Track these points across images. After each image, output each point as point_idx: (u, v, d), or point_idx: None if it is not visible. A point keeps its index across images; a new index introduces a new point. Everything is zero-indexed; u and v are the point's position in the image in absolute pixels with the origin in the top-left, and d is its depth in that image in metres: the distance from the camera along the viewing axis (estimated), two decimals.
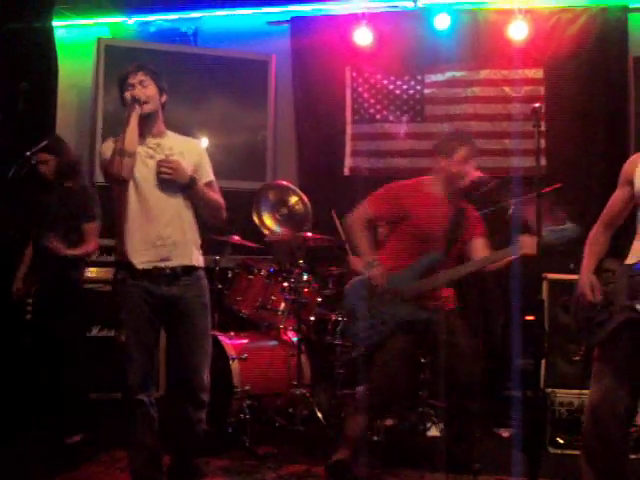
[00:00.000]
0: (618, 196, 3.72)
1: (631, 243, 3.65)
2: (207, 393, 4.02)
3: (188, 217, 3.98)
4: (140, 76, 3.88)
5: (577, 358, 3.60)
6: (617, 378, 3.52)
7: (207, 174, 4.06)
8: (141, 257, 3.86)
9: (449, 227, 4.52)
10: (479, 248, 4.58)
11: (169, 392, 4.47)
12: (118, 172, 3.77)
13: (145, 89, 3.87)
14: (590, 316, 3.58)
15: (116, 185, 3.87)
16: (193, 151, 4.05)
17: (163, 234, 3.87)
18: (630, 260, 3.58)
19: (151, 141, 3.92)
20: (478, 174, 4.61)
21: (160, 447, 3.99)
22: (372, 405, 4.47)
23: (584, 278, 3.64)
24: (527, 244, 4.17)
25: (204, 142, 6.51)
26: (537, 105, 3.97)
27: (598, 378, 3.57)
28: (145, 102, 3.84)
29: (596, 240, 3.73)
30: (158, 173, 3.85)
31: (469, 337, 4.57)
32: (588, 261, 3.70)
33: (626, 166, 3.73)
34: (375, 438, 5.03)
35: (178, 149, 3.98)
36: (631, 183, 3.65)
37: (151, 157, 3.90)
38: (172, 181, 3.86)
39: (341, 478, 4.38)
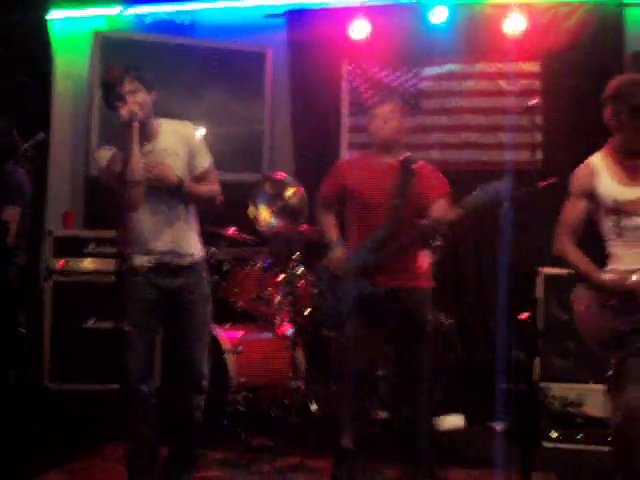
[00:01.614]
0: (579, 209, 3.71)
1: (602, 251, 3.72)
2: (207, 380, 4.08)
3: (188, 213, 4.01)
4: (128, 85, 3.78)
5: (610, 373, 3.60)
6: None
7: (203, 161, 4.04)
8: (144, 258, 3.92)
9: (396, 195, 4.37)
10: (438, 210, 4.32)
11: (168, 381, 4.51)
12: (133, 204, 3.80)
13: (136, 97, 3.79)
14: (616, 327, 3.54)
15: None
16: (186, 139, 4.01)
17: (162, 234, 3.91)
18: (626, 266, 3.61)
19: (146, 147, 3.87)
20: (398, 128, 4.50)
21: (157, 438, 4.02)
22: (342, 381, 4.52)
23: (620, 283, 3.58)
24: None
25: (201, 131, 6.52)
26: (534, 102, 3.94)
27: (634, 382, 3.53)
28: (140, 112, 3.77)
29: (575, 249, 3.70)
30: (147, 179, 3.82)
31: (428, 321, 4.52)
32: (590, 265, 3.67)
33: (580, 177, 3.73)
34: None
35: (172, 148, 3.96)
36: (591, 195, 3.67)
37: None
38: (160, 187, 3.86)
39: (346, 464, 4.42)
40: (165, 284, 3.94)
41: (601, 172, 3.68)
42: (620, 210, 3.63)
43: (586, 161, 3.77)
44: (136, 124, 3.75)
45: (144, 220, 3.89)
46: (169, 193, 3.89)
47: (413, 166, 4.41)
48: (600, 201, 3.67)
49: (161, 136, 3.97)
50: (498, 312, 6.09)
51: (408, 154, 4.51)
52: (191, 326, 4.00)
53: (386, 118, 4.47)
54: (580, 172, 3.75)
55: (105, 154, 3.89)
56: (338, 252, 4.51)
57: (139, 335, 3.90)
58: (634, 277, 3.55)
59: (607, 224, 3.68)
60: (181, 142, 3.99)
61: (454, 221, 4.17)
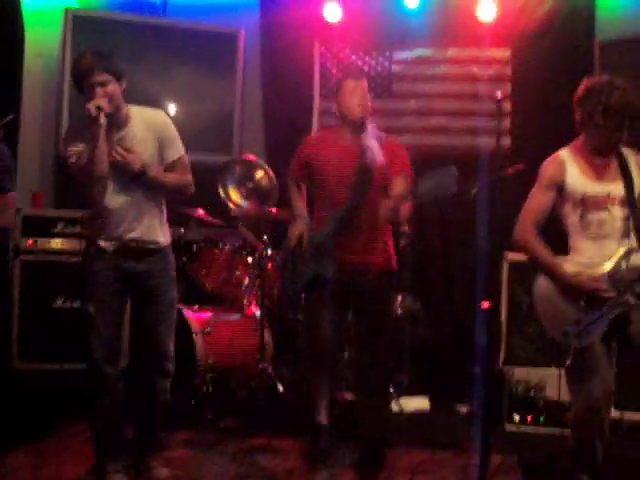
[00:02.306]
0: (545, 200, 3.77)
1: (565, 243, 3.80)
2: (172, 363, 4.10)
3: (154, 199, 4.01)
4: (97, 77, 3.76)
5: (568, 363, 3.67)
6: (609, 368, 3.68)
7: (174, 151, 4.04)
8: (109, 241, 3.92)
9: (358, 172, 4.42)
10: (394, 189, 4.38)
11: (134, 362, 4.52)
12: (96, 197, 3.85)
13: (105, 89, 3.78)
14: (577, 318, 3.64)
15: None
16: (156, 128, 4.01)
17: (129, 218, 3.92)
18: (584, 259, 3.70)
19: (115, 136, 3.88)
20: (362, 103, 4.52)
21: (123, 420, 4.05)
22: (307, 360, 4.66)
23: (584, 278, 3.65)
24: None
25: (171, 110, 6.51)
26: (500, 97, 4.00)
27: (594, 373, 3.63)
28: (107, 106, 3.76)
29: (537, 239, 3.77)
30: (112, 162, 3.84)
31: (389, 303, 4.57)
32: (554, 259, 3.74)
33: (550, 169, 3.80)
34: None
35: (141, 135, 3.95)
36: (559, 188, 3.74)
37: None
38: (124, 172, 3.87)
39: (322, 440, 4.50)
40: (129, 267, 3.96)
41: (571, 166, 3.75)
42: (587, 204, 3.71)
43: (555, 154, 3.84)
44: (103, 121, 3.74)
45: (110, 205, 3.90)
46: (133, 180, 3.90)
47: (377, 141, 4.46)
48: (569, 194, 3.74)
49: (131, 124, 3.96)
50: (464, 296, 6.20)
51: (374, 129, 4.55)
52: (155, 310, 4.02)
53: (351, 93, 4.50)
54: (550, 164, 3.82)
55: (73, 148, 3.88)
56: (298, 226, 4.57)
57: (103, 317, 3.92)
58: (605, 266, 3.65)
59: (573, 217, 3.76)
60: (151, 130, 3.99)
61: (402, 213, 4.28)
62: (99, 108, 3.71)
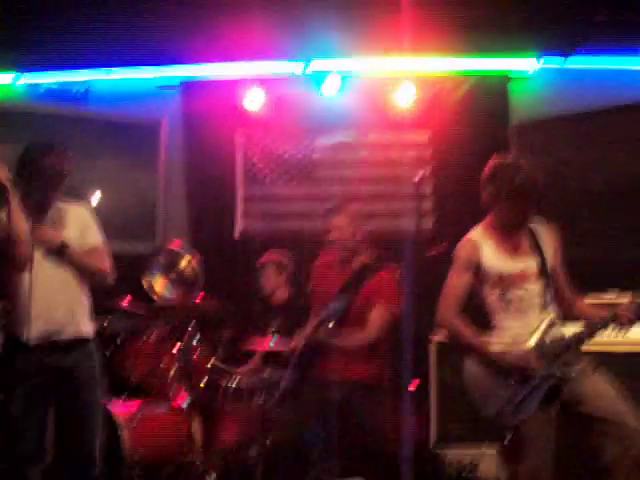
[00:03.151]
0: (464, 282, 3.80)
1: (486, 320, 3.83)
2: (95, 468, 3.94)
3: (77, 288, 3.95)
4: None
5: (506, 443, 3.65)
6: (549, 444, 3.65)
7: (92, 239, 4.03)
8: (30, 333, 3.79)
9: (340, 294, 4.61)
10: (370, 318, 4.59)
11: (57, 464, 4.37)
12: (18, 265, 3.72)
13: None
14: (509, 397, 3.63)
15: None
16: (78, 218, 4.03)
17: (51, 309, 3.84)
18: (508, 338, 3.72)
19: (38, 220, 3.85)
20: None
21: None
22: None
23: (511, 356, 3.66)
24: None
25: (94, 199, 6.45)
26: (418, 177, 4.09)
27: (531, 450, 3.62)
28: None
29: (461, 321, 3.79)
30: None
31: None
32: (483, 342, 3.75)
33: (465, 251, 3.84)
34: None
35: (64, 221, 3.96)
36: (476, 269, 3.77)
37: None
38: (43, 248, 3.82)
39: None
40: (53, 362, 3.84)
41: (484, 246, 3.80)
42: (505, 283, 3.75)
43: (467, 236, 3.89)
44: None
45: (30, 293, 3.80)
46: (54, 255, 3.84)
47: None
48: (486, 274, 3.77)
49: (54, 211, 3.97)
50: (392, 380, 6.18)
51: (368, 261, 4.69)
52: (79, 409, 3.90)
53: (338, 229, 4.67)
54: (464, 246, 3.86)
55: None
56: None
57: (24, 417, 3.79)
58: (530, 341, 3.68)
59: (492, 296, 3.79)
60: (73, 218, 4.01)
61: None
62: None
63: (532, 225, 3.86)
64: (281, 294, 5.70)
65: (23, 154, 3.94)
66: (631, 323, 3.68)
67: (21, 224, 3.66)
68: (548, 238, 3.85)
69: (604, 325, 3.69)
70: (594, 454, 3.64)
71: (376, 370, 4.64)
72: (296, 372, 4.65)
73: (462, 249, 3.86)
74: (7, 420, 3.81)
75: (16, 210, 3.65)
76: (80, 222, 4.02)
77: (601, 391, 3.65)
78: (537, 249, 3.80)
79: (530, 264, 3.77)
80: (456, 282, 3.82)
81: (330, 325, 4.52)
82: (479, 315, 3.87)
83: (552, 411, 3.70)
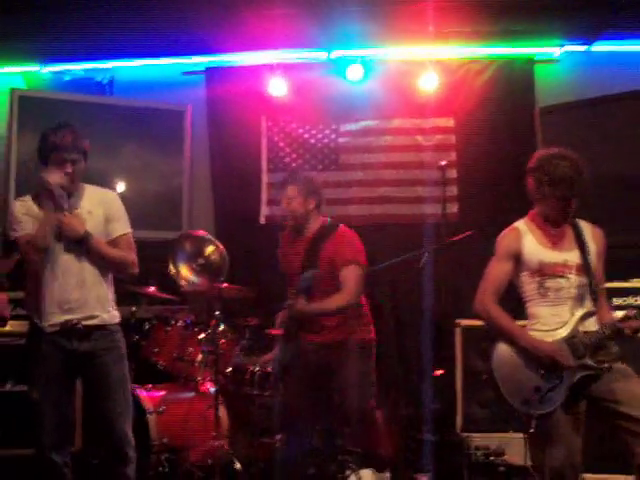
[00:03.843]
0: (504, 270, 3.87)
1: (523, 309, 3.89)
2: (132, 448, 3.97)
3: (98, 276, 3.97)
4: (72, 154, 3.89)
5: (531, 431, 3.67)
6: (575, 435, 3.70)
7: (119, 228, 4.07)
8: (50, 319, 3.84)
9: (304, 264, 4.71)
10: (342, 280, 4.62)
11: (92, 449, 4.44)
12: (33, 265, 3.85)
13: (75, 167, 3.90)
14: (538, 385, 3.68)
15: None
16: (105, 205, 4.06)
17: (71, 295, 3.88)
18: (543, 326, 3.77)
19: (64, 205, 3.89)
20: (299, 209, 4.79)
21: None
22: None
23: (546, 346, 3.71)
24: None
25: (119, 187, 6.49)
26: (445, 162, 4.12)
27: (557, 441, 3.64)
28: (70, 182, 3.88)
29: (499, 309, 3.85)
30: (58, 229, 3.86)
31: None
32: (520, 329, 3.82)
33: (507, 240, 3.91)
34: None
35: (87, 207, 3.99)
36: (516, 258, 3.84)
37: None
38: (66, 236, 3.87)
39: None
40: (74, 347, 3.88)
41: (527, 236, 3.87)
42: (545, 271, 3.80)
43: (512, 225, 3.96)
44: (57, 194, 3.80)
45: (52, 283, 3.85)
46: (77, 245, 3.88)
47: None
48: (525, 263, 3.84)
49: (81, 196, 4.02)
50: (419, 366, 6.19)
51: (324, 223, 4.76)
52: (105, 390, 3.93)
53: (289, 200, 4.76)
54: (506, 235, 3.94)
55: (20, 208, 3.95)
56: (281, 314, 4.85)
57: (48, 402, 3.84)
58: (562, 331, 3.72)
59: (531, 285, 3.85)
60: (100, 206, 4.04)
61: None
62: (59, 184, 3.80)
63: (578, 221, 3.91)
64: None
65: (39, 141, 4.00)
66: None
67: (46, 232, 3.81)
68: (593, 238, 3.89)
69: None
70: (625, 451, 3.66)
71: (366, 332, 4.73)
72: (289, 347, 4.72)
73: (504, 238, 3.93)
74: (32, 408, 3.86)
75: (47, 218, 3.82)
76: (107, 209, 4.05)
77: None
78: (580, 244, 3.84)
79: (571, 256, 3.82)
80: (496, 270, 3.90)
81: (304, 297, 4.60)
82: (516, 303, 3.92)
83: (582, 404, 3.71)
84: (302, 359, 4.63)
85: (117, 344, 4.02)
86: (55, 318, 3.85)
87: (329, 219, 4.91)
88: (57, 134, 3.90)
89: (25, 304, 4.01)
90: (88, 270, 3.93)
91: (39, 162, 3.98)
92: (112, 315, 4.04)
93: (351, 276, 4.57)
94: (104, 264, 3.99)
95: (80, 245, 3.89)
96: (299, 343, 4.66)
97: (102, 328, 3.96)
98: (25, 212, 3.93)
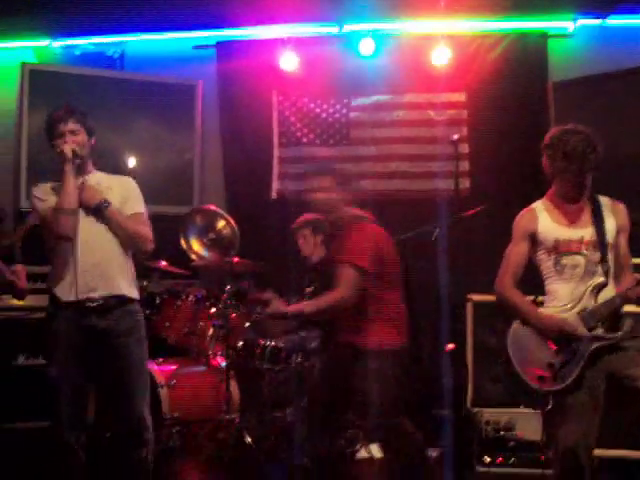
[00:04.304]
0: (521, 251, 3.89)
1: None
2: (148, 430, 3.96)
3: (118, 249, 3.98)
4: (70, 125, 3.91)
5: (549, 408, 3.67)
6: (592, 415, 3.66)
7: (135, 206, 4.07)
8: (67, 289, 3.85)
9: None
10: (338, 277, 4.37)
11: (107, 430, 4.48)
12: (62, 231, 3.81)
13: (76, 137, 3.91)
14: (551, 362, 3.69)
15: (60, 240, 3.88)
16: (122, 187, 4.09)
17: (92, 268, 3.86)
18: (559, 302, 3.77)
19: (79, 180, 3.92)
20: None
21: None
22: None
23: (553, 318, 3.73)
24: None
25: (130, 162, 6.50)
26: (457, 137, 4.08)
27: (572, 419, 3.63)
28: (78, 151, 3.87)
29: (515, 291, 3.88)
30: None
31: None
32: (531, 307, 3.84)
33: (523, 221, 3.92)
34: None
35: (106, 184, 4.03)
36: (532, 237, 3.86)
37: None
38: (84, 204, 3.89)
39: None
40: (91, 324, 3.86)
41: (542, 215, 3.87)
42: (560, 249, 3.80)
43: (529, 206, 3.95)
44: (75, 160, 3.84)
45: (68, 258, 3.85)
46: (96, 214, 3.90)
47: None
48: (541, 241, 3.84)
49: (94, 176, 4.05)
50: (429, 339, 6.19)
51: (338, 219, 4.57)
52: (126, 374, 3.90)
53: (319, 190, 4.55)
54: (522, 216, 3.95)
55: (43, 190, 3.97)
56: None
57: (65, 381, 3.83)
58: (572, 312, 3.72)
59: (547, 263, 3.85)
60: (116, 185, 4.07)
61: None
62: (73, 150, 3.83)
63: (597, 197, 3.89)
64: (317, 255, 5.70)
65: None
66: None
67: (71, 194, 3.82)
68: (613, 213, 3.86)
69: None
70: None
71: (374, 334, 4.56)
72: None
73: (520, 219, 3.95)
74: (50, 385, 3.87)
75: (70, 181, 3.83)
76: (123, 191, 4.07)
77: None
78: (598, 220, 3.81)
79: (587, 233, 3.79)
80: (513, 252, 3.92)
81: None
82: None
83: (598, 378, 3.69)
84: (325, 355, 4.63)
85: (138, 324, 4.01)
86: (75, 291, 3.84)
87: (352, 213, 4.61)
88: (53, 111, 3.99)
89: (47, 279, 4.02)
90: (108, 243, 3.94)
91: (49, 145, 4.01)
92: (132, 292, 4.03)
93: (344, 274, 4.28)
94: (123, 236, 3.99)
95: (98, 214, 3.91)
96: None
97: (123, 305, 3.94)
98: (45, 191, 3.97)
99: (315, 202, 4.58)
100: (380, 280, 4.30)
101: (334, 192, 4.54)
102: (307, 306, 4.45)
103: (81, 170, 3.94)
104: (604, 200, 3.89)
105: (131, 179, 4.20)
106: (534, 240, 3.87)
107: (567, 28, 6.56)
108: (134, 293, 4.05)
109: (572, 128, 3.81)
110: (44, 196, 3.93)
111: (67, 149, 3.84)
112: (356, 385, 4.34)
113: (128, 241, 4.01)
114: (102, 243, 3.93)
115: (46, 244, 3.97)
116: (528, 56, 6.60)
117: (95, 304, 3.86)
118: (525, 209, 3.96)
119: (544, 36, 6.60)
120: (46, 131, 3.99)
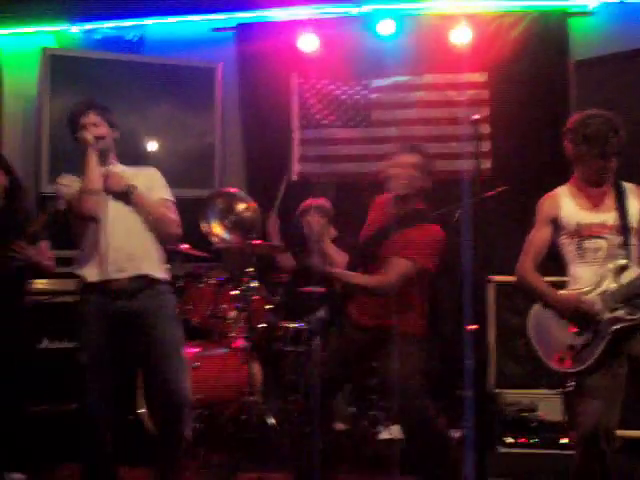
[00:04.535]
0: (543, 236, 3.89)
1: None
2: (186, 406, 4.00)
3: (144, 232, 4.02)
4: (91, 117, 3.99)
5: (570, 388, 3.67)
6: (613, 397, 3.64)
7: (160, 192, 4.13)
8: (95, 270, 3.89)
9: (371, 237, 4.54)
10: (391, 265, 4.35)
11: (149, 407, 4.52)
12: (87, 211, 3.88)
13: (98, 129, 3.98)
14: (571, 344, 3.68)
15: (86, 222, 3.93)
16: (147, 177, 4.15)
17: (117, 247, 3.91)
18: (578, 285, 3.76)
19: (101, 169, 3.99)
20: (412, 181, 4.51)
21: (113, 462, 4.00)
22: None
23: (570, 298, 3.73)
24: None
25: (151, 146, 6.52)
26: (476, 117, 4.05)
27: (592, 401, 3.62)
28: (100, 139, 3.96)
29: (536, 275, 3.88)
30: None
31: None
32: (550, 289, 3.84)
33: (545, 205, 3.92)
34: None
35: (131, 173, 4.10)
36: (554, 221, 3.86)
37: None
38: (110, 190, 3.95)
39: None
40: (120, 306, 3.90)
41: (565, 199, 3.87)
42: (582, 232, 3.79)
43: (552, 191, 3.95)
44: (99, 144, 3.95)
45: (95, 240, 3.89)
46: (123, 198, 3.95)
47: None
48: (564, 226, 3.83)
49: (117, 167, 4.13)
50: (451, 320, 6.18)
51: (416, 208, 4.51)
52: (158, 352, 3.95)
53: (404, 168, 4.48)
54: (545, 201, 3.94)
55: (68, 180, 4.05)
56: None
57: (93, 365, 3.88)
58: (593, 294, 3.70)
59: (569, 247, 3.84)
60: (142, 175, 4.14)
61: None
62: (94, 138, 3.93)
63: (621, 182, 3.87)
64: (322, 239, 5.66)
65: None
66: None
67: (95, 175, 3.90)
68: (637, 198, 3.83)
69: None
70: None
71: (409, 322, 4.54)
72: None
73: (543, 204, 3.94)
74: (80, 370, 3.90)
75: (94, 162, 3.92)
76: (147, 180, 4.13)
77: None
78: (622, 204, 3.80)
79: (610, 217, 3.78)
80: (535, 236, 3.91)
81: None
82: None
83: (619, 360, 3.67)
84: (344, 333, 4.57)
85: (167, 304, 4.06)
86: (105, 271, 3.88)
87: (421, 210, 4.55)
88: (75, 104, 4.11)
89: (74, 263, 4.06)
90: (136, 226, 3.99)
91: (72, 138, 4.09)
92: (161, 273, 4.07)
93: (400, 265, 4.30)
94: (150, 220, 4.01)
95: (125, 198, 3.96)
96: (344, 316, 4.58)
97: (150, 286, 3.98)
98: (71, 179, 4.05)
99: (395, 178, 4.50)
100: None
101: (417, 172, 4.51)
102: (356, 277, 4.43)
103: (104, 161, 4.02)
104: (628, 185, 3.87)
105: (155, 169, 4.25)
106: (557, 225, 3.86)
107: (587, 6, 6.50)
108: (162, 274, 4.09)
109: (593, 112, 3.80)
110: (70, 183, 4.01)
111: (88, 135, 3.91)
112: (385, 367, 4.37)
113: (156, 225, 4.05)
114: (130, 226, 3.98)
115: (72, 229, 4.01)
116: (549, 35, 6.55)
117: (123, 286, 3.90)
118: (548, 194, 3.96)
119: (565, 14, 6.54)
120: (68, 126, 4.07)
